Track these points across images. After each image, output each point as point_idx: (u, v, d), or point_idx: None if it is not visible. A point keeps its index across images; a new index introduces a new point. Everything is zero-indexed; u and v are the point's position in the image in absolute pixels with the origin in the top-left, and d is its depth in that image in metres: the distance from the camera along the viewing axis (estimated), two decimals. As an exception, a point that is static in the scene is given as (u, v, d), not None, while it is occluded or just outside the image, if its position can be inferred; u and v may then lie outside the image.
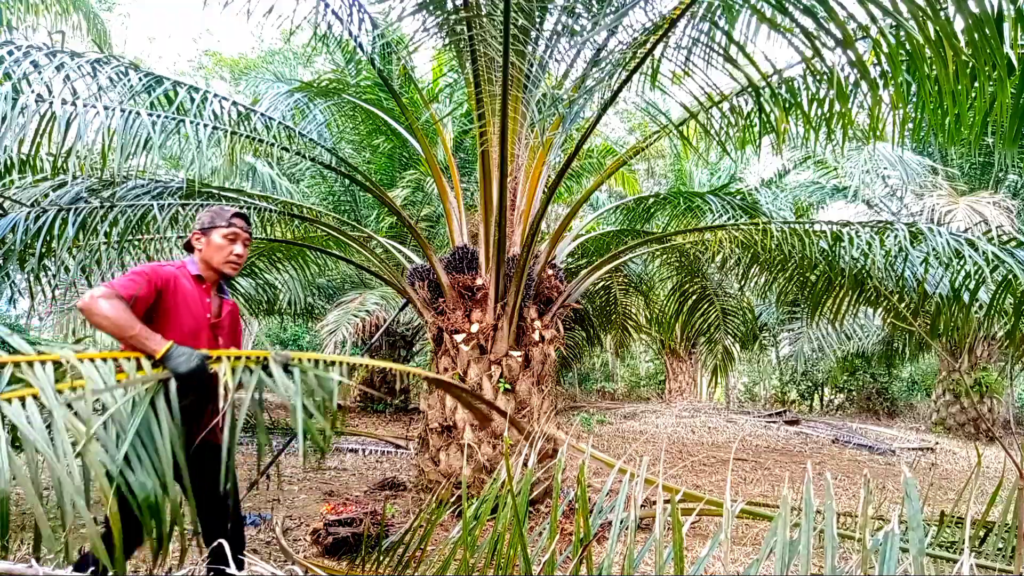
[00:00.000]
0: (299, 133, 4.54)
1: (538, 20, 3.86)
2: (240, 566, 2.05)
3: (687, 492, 4.07)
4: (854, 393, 15.49)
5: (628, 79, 3.53)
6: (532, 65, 3.82)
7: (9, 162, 3.97)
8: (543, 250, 4.60)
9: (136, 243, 4.75)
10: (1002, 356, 10.79)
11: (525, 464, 4.39)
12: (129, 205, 3.88)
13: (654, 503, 4.24)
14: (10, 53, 3.14)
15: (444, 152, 5.55)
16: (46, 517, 1.38)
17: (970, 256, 3.76)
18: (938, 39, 2.61)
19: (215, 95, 3.86)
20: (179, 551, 3.21)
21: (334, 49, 5.09)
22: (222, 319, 2.31)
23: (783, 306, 7.95)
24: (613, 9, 3.75)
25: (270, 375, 1.70)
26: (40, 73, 3.21)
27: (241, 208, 4.50)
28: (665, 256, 6.80)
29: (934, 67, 2.76)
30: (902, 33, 2.79)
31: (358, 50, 4.85)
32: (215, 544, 2.07)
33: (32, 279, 3.91)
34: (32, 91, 3.16)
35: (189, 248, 2.37)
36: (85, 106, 3.29)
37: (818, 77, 3.57)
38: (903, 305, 4.64)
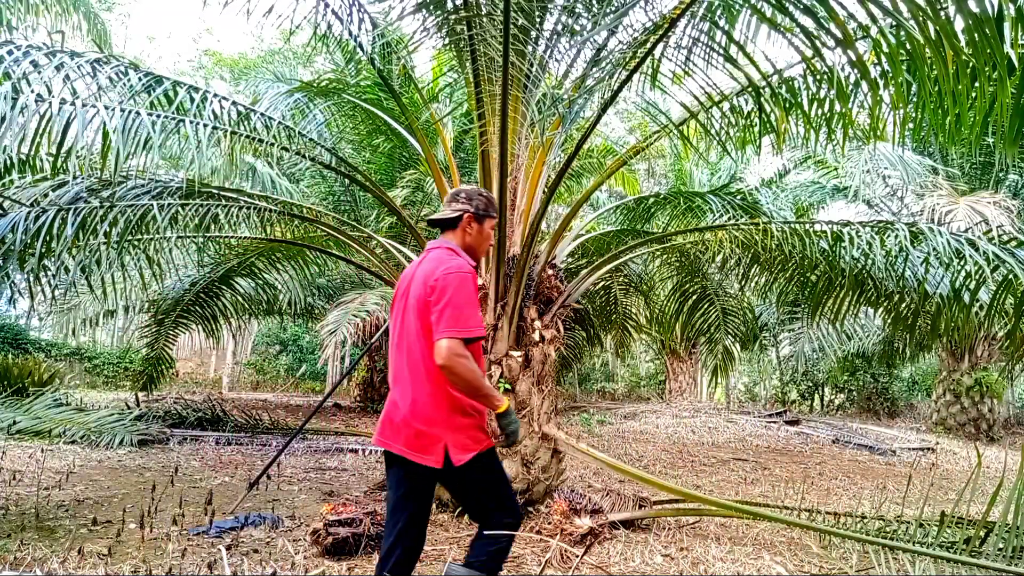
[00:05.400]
0: (299, 133, 4.54)
1: (538, 20, 3.86)
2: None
3: (687, 492, 4.07)
4: (854, 393, 15.49)
5: (628, 79, 3.53)
6: (532, 65, 3.82)
7: (9, 162, 3.97)
8: (543, 250, 4.60)
9: (136, 243, 4.75)
10: (1002, 356, 10.78)
11: (525, 465, 4.41)
12: (129, 205, 3.88)
13: (654, 503, 4.24)
14: (10, 53, 3.14)
15: (444, 152, 5.55)
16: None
17: (971, 256, 3.76)
18: (938, 39, 2.60)
19: (215, 95, 3.86)
20: (182, 551, 3.21)
21: (334, 49, 5.09)
22: None
23: (783, 306, 7.96)
24: (613, 9, 3.74)
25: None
26: (40, 73, 3.20)
27: (241, 208, 4.51)
28: (665, 256, 6.79)
29: (934, 67, 2.75)
30: (902, 33, 2.79)
31: (358, 50, 4.85)
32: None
33: (32, 279, 3.91)
34: (32, 91, 3.16)
35: (441, 225, 2.20)
36: (85, 106, 3.28)
37: (818, 77, 3.57)
38: (904, 305, 4.64)
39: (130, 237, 4.13)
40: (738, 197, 5.77)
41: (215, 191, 4.51)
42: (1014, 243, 3.98)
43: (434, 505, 4.27)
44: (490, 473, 2.08)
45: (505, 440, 2.05)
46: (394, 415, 2.06)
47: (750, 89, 3.69)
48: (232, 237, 5.86)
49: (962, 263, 3.90)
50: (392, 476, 2.10)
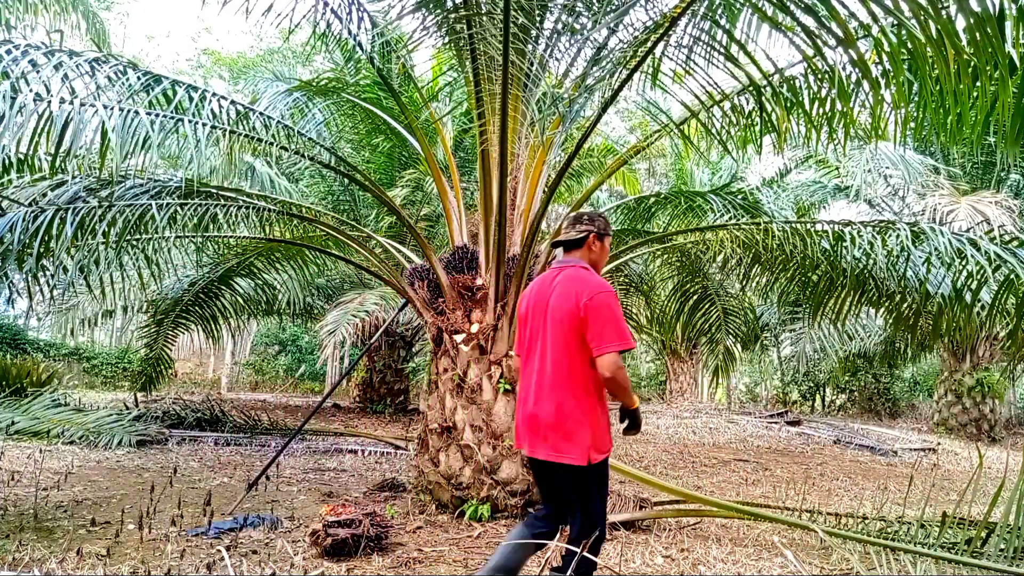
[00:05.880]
0: (298, 132, 4.52)
1: (538, 18, 3.84)
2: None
3: (688, 493, 4.06)
4: (856, 394, 15.47)
5: (629, 78, 3.51)
6: (532, 64, 3.80)
7: (7, 161, 3.95)
8: (543, 250, 4.58)
9: (135, 243, 4.74)
10: (1004, 357, 10.77)
11: (525, 466, 4.40)
12: (127, 205, 3.87)
13: (655, 504, 4.22)
14: (8, 52, 3.12)
15: (444, 151, 5.53)
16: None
17: (972, 256, 3.74)
18: (940, 38, 2.59)
19: (214, 94, 3.85)
20: (180, 552, 3.20)
21: (333, 48, 5.08)
22: None
23: (785, 306, 7.95)
24: (614, 7, 3.73)
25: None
26: (38, 72, 3.19)
27: (239, 208, 4.51)
28: (666, 256, 6.78)
29: (936, 66, 2.74)
30: (904, 32, 2.78)
31: (357, 49, 4.84)
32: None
33: (30, 279, 3.89)
34: (30, 90, 3.14)
35: (565, 245, 2.42)
36: (83, 105, 3.27)
37: (820, 76, 3.55)
38: (905, 305, 4.62)
39: (129, 237, 4.12)
40: (739, 197, 5.75)
41: (214, 191, 4.49)
42: (1016, 243, 3.97)
43: (434, 507, 4.26)
44: (606, 471, 2.34)
45: (635, 430, 2.37)
46: (535, 423, 2.28)
47: (751, 88, 3.68)
48: (231, 237, 5.85)
49: (964, 263, 3.89)
50: (539, 474, 2.39)
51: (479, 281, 4.39)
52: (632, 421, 2.37)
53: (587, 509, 2.27)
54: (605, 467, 2.30)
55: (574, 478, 2.24)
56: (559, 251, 2.49)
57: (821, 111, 3.77)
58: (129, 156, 3.36)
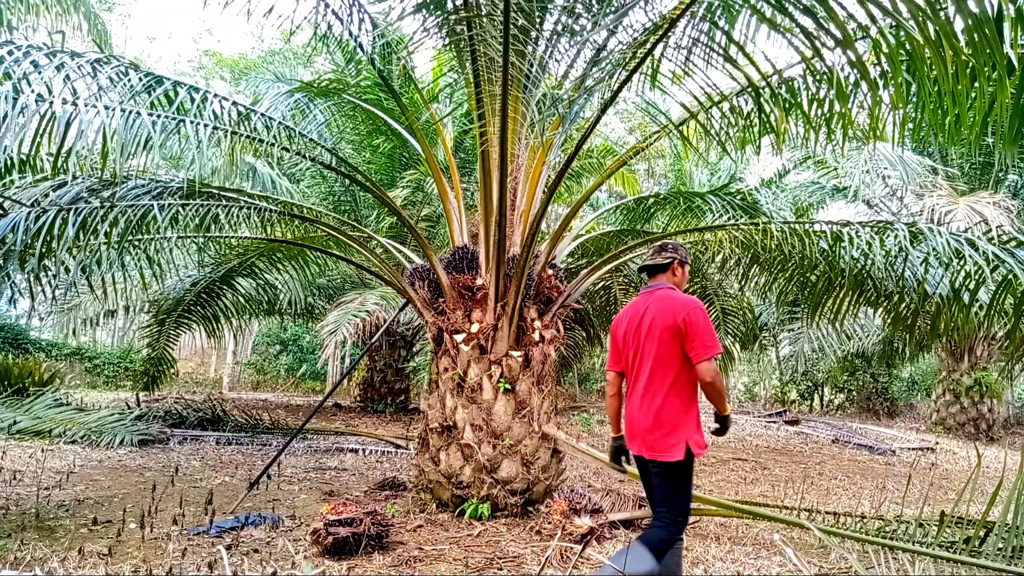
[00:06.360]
0: (299, 133, 4.54)
1: (538, 20, 3.86)
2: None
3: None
4: (854, 393, 15.49)
5: (628, 79, 3.53)
6: (532, 65, 3.82)
7: (9, 162, 3.97)
8: (543, 250, 4.60)
9: (136, 243, 4.75)
10: (1002, 356, 10.79)
11: (525, 465, 4.41)
12: (129, 205, 3.88)
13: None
14: (10, 53, 3.14)
15: (444, 152, 5.55)
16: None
17: (970, 256, 3.76)
18: (938, 39, 2.60)
19: (215, 95, 3.86)
20: (182, 551, 3.22)
21: (334, 49, 5.09)
22: None
23: (783, 306, 7.95)
24: (613, 9, 3.75)
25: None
26: (40, 73, 3.21)
27: (241, 208, 4.53)
28: (665, 256, 6.77)
29: (934, 67, 2.75)
30: (902, 33, 2.79)
31: (358, 50, 4.85)
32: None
33: (32, 279, 3.91)
34: (32, 91, 3.16)
35: (651, 270, 2.77)
36: (85, 106, 3.29)
37: (818, 77, 3.57)
38: (903, 305, 4.63)
39: (131, 237, 4.14)
40: (738, 197, 5.76)
41: (215, 191, 4.51)
42: (1013, 243, 3.98)
43: (435, 505, 4.28)
44: (692, 470, 2.60)
45: (723, 432, 2.65)
46: (637, 426, 2.58)
47: (750, 89, 3.70)
48: (233, 237, 5.86)
49: (962, 263, 3.90)
50: (644, 473, 2.69)
51: (479, 281, 4.41)
52: (723, 425, 2.64)
53: (673, 501, 2.51)
54: (692, 465, 2.55)
55: (667, 473, 2.49)
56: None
57: (819, 112, 3.78)
58: (131, 157, 3.38)
